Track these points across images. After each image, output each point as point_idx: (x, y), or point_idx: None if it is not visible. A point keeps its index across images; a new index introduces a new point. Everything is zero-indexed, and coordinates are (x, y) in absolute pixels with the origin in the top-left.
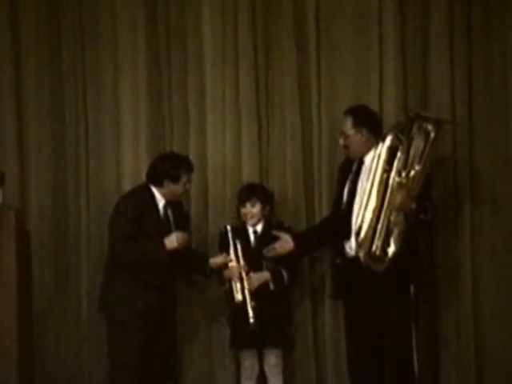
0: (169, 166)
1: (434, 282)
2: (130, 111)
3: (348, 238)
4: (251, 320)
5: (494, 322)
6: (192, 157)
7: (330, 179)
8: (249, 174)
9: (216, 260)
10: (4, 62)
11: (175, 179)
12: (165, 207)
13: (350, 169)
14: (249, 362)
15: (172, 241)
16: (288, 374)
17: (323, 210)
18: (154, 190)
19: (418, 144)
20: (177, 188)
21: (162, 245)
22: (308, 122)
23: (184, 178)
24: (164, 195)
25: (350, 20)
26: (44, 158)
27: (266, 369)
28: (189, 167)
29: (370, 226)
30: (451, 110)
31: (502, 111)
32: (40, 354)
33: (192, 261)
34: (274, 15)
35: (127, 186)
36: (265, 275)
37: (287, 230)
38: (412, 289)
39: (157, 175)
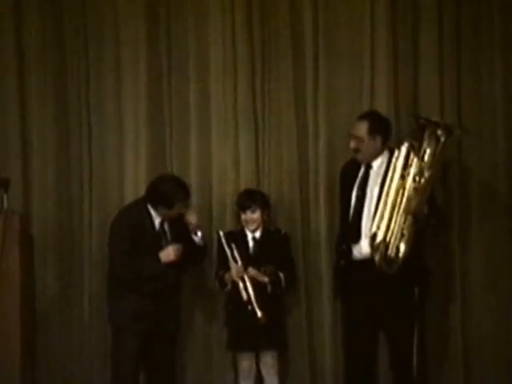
0: (165, 193)
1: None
2: (132, 119)
3: (356, 241)
4: (259, 314)
5: (482, 324)
6: (194, 163)
7: (326, 185)
8: (246, 180)
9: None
10: (8, 70)
11: (169, 206)
12: (161, 222)
13: (355, 173)
14: (246, 363)
15: (168, 254)
16: (283, 375)
17: (320, 216)
18: (150, 207)
19: (429, 150)
20: (170, 212)
21: (158, 259)
22: (304, 128)
23: (178, 205)
24: (158, 215)
25: (344, 29)
26: (47, 164)
27: (263, 369)
28: (185, 197)
29: (386, 230)
30: (440, 115)
31: (489, 116)
32: (43, 354)
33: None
34: (272, 23)
35: (129, 191)
36: (263, 278)
37: (284, 236)
38: (416, 291)
39: (153, 198)
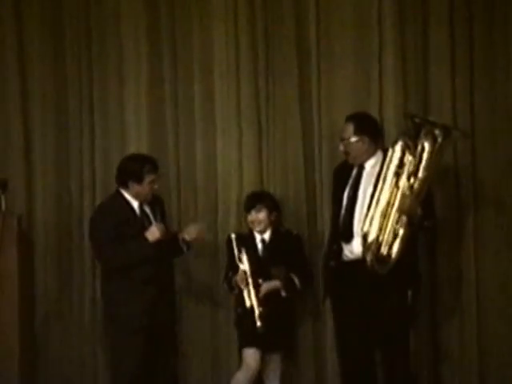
0: (132, 167)
1: (435, 289)
2: (135, 121)
3: (348, 241)
4: (258, 324)
5: (497, 329)
6: (199, 164)
7: (330, 185)
8: (250, 181)
9: (187, 230)
10: (10, 71)
11: (139, 180)
12: (141, 207)
13: (348, 174)
14: (252, 359)
15: (153, 233)
16: (287, 380)
17: (324, 215)
18: (125, 194)
19: (425, 149)
20: (141, 188)
21: (145, 239)
22: (309, 128)
23: (148, 179)
24: (133, 196)
25: (350, 28)
26: (49, 165)
27: (265, 372)
28: (152, 168)
29: (378, 230)
30: (452, 117)
31: (504, 119)
32: (43, 356)
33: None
34: (275, 23)
35: None
36: (275, 283)
37: (296, 237)
38: (409, 293)
39: (121, 176)
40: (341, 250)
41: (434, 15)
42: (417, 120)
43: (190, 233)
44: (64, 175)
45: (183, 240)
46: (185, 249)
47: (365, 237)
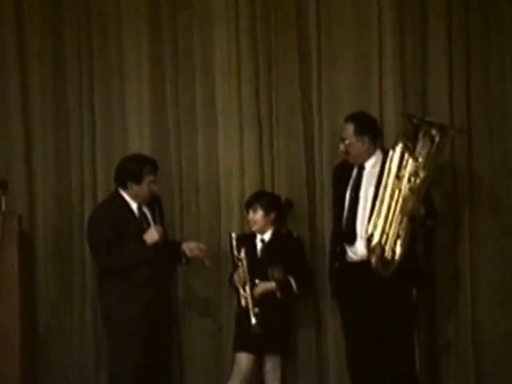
0: (131, 168)
1: (434, 287)
2: (136, 122)
3: (352, 243)
4: (253, 322)
5: (492, 327)
6: (201, 165)
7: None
8: (251, 181)
9: (190, 245)
10: (10, 70)
11: (138, 180)
12: (139, 208)
13: (349, 174)
14: (244, 363)
15: (152, 235)
16: (288, 381)
17: (326, 216)
18: (124, 194)
19: (424, 150)
20: (141, 189)
21: (143, 242)
22: (310, 128)
23: (147, 180)
24: (131, 197)
25: (350, 28)
26: (49, 165)
27: (265, 375)
28: (152, 168)
29: (382, 232)
30: (450, 117)
31: (500, 118)
32: (44, 357)
33: (169, 251)
34: (276, 23)
35: None
36: (271, 285)
37: (296, 239)
38: (414, 292)
39: (120, 177)
40: (344, 252)
41: (433, 15)
42: (414, 121)
43: (191, 249)
44: (64, 175)
45: (183, 253)
46: (183, 261)
47: (369, 239)
